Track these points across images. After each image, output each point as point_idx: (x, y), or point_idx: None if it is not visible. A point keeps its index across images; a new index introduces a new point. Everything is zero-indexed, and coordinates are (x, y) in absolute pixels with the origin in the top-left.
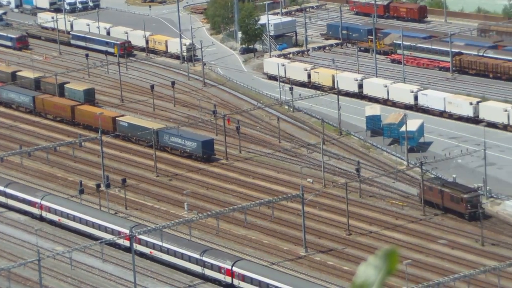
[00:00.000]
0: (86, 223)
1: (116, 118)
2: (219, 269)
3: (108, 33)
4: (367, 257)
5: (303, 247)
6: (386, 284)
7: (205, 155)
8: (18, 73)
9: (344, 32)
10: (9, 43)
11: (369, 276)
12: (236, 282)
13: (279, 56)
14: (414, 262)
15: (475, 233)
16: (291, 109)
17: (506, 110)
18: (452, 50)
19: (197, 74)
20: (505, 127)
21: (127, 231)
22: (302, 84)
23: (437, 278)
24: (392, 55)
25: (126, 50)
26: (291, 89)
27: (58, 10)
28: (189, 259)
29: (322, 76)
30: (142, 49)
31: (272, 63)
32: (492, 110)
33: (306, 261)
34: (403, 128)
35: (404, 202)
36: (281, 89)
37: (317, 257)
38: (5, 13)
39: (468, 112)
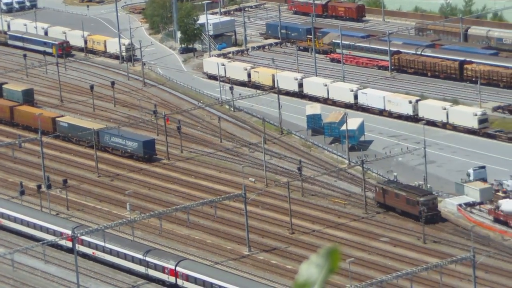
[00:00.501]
0: (28, 224)
1: (56, 119)
2: (162, 269)
3: (46, 33)
4: (310, 256)
5: (247, 246)
6: (329, 282)
7: (146, 155)
8: None
9: (283, 31)
10: None
11: (311, 275)
12: (180, 282)
13: (218, 55)
14: (357, 260)
15: (417, 230)
16: (232, 109)
17: (445, 108)
18: (391, 49)
19: (136, 74)
20: (444, 125)
21: (69, 232)
22: (242, 84)
23: (380, 276)
24: (331, 54)
25: (65, 50)
26: (231, 88)
27: None
28: (132, 259)
29: (262, 75)
30: (80, 49)
31: (212, 63)
32: (431, 109)
33: (250, 260)
34: (343, 127)
35: (345, 201)
36: (221, 88)
37: (261, 256)
38: None
39: (408, 110)
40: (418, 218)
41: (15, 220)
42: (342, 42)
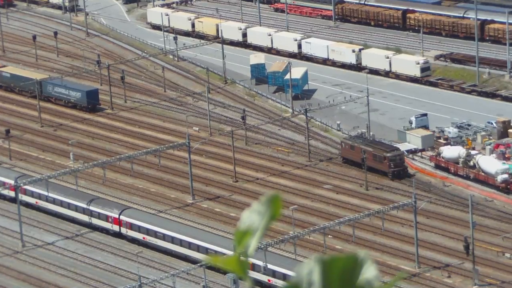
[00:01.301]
0: None
1: None
2: (106, 218)
3: None
4: (252, 203)
5: (190, 194)
6: (272, 229)
7: (90, 105)
8: None
9: None
10: None
11: (253, 222)
12: (123, 230)
13: (162, 5)
14: (300, 207)
15: (359, 177)
16: (176, 59)
17: (387, 57)
18: None
19: (80, 24)
20: (387, 74)
21: (12, 182)
22: (186, 34)
23: (323, 223)
24: (275, 4)
25: (6, 0)
26: (175, 38)
27: None
28: (76, 208)
29: (206, 25)
30: None
31: (156, 13)
32: (374, 57)
33: (194, 209)
34: (287, 76)
35: (289, 149)
36: (165, 38)
37: (205, 204)
38: None
39: (351, 59)
40: (385, 174)
41: None
42: None
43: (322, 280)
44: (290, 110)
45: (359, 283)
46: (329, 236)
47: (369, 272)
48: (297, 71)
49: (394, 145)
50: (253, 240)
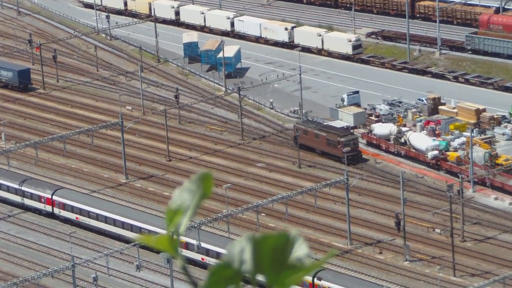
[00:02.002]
0: None
1: None
2: (39, 198)
3: None
4: (183, 182)
5: (124, 174)
6: (205, 208)
7: (21, 85)
8: None
9: None
10: None
11: (184, 201)
12: (56, 210)
13: None
14: (234, 185)
15: (292, 155)
16: (108, 38)
17: (320, 35)
18: None
19: (10, 3)
20: (319, 52)
21: None
22: (118, 12)
23: (256, 201)
24: None
25: None
26: (107, 17)
27: None
28: (8, 189)
29: (139, 3)
30: None
31: None
32: (307, 35)
33: (127, 188)
34: (220, 55)
35: (223, 127)
36: (97, 17)
37: (138, 183)
38: None
39: (283, 37)
40: (339, 159)
41: None
42: None
43: (254, 259)
44: (223, 89)
45: (290, 261)
46: (262, 214)
47: (300, 250)
48: (230, 49)
49: (348, 129)
50: (184, 218)
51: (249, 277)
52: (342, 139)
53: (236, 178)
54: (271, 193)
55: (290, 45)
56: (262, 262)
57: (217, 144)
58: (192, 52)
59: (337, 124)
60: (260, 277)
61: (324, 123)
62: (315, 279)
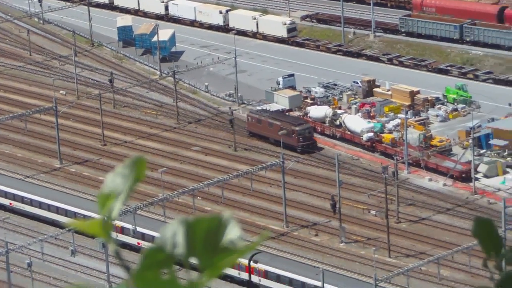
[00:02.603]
0: None
1: None
2: None
3: None
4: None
5: (58, 159)
6: (140, 192)
7: None
8: None
9: None
10: None
11: (117, 185)
12: None
13: None
14: (169, 169)
15: (228, 139)
16: (41, 22)
17: (254, 18)
18: None
19: None
20: (254, 35)
21: None
22: None
23: (192, 184)
24: None
25: None
26: (40, 1)
27: None
28: None
29: None
30: None
31: None
32: (241, 18)
33: (61, 173)
34: (154, 38)
35: (158, 111)
36: (30, 1)
37: (73, 168)
38: None
39: (218, 20)
40: (294, 149)
41: None
42: None
43: (186, 242)
44: (158, 73)
45: (223, 244)
46: (198, 197)
47: (233, 232)
48: (165, 33)
49: (303, 119)
50: (117, 203)
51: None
52: (297, 128)
53: (171, 162)
54: (207, 176)
55: (225, 28)
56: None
57: (152, 128)
58: (126, 36)
59: (273, 107)
60: (194, 260)
61: (278, 112)
62: (251, 262)
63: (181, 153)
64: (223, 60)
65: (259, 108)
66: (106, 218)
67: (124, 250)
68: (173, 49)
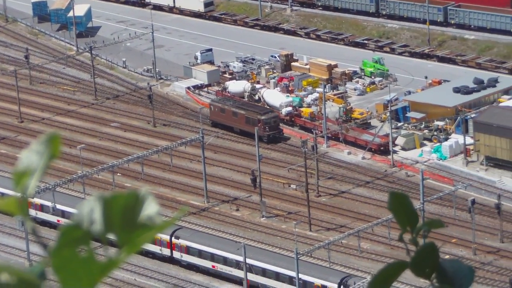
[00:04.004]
0: None
1: None
2: None
3: None
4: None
5: None
6: (61, 169)
7: None
8: None
9: None
10: None
11: (31, 162)
12: None
13: None
14: (88, 146)
15: (147, 115)
16: None
17: None
18: None
19: None
20: (170, 10)
21: None
22: None
23: (112, 161)
24: None
25: None
26: None
27: None
28: None
29: None
30: None
31: None
32: None
33: None
34: (70, 14)
35: (75, 88)
36: None
37: None
38: None
39: None
40: (260, 138)
41: None
42: None
43: (103, 218)
44: (75, 48)
45: (140, 220)
46: (118, 174)
47: (150, 208)
48: (81, 8)
49: (268, 107)
50: (32, 180)
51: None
52: (263, 117)
53: (90, 139)
54: (127, 152)
55: (141, 3)
56: (112, 221)
57: (70, 105)
58: (41, 11)
59: (191, 82)
60: (112, 237)
61: (242, 101)
62: (173, 237)
63: (99, 129)
64: (140, 35)
65: (221, 98)
66: (21, 196)
67: (44, 227)
68: (90, 25)
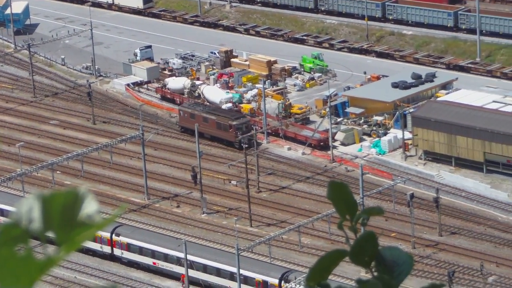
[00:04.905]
0: None
1: None
2: None
3: None
4: None
5: None
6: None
7: None
8: None
9: None
10: None
11: None
12: None
13: None
14: (27, 144)
15: (87, 112)
16: None
17: None
18: None
19: None
20: (109, 6)
21: None
22: None
23: (51, 158)
24: None
25: None
26: None
27: None
28: None
29: None
30: None
31: None
32: None
33: None
34: (8, 11)
35: (13, 85)
36: None
37: None
38: None
39: None
40: (231, 144)
41: None
42: None
43: (43, 217)
44: (13, 46)
45: (79, 218)
46: (58, 171)
47: (89, 206)
48: (18, 5)
49: (239, 112)
50: None
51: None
52: (234, 123)
53: (29, 136)
54: (66, 150)
55: (80, 0)
56: (51, 220)
57: (8, 102)
58: None
59: (131, 79)
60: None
61: (213, 106)
62: (113, 235)
63: (38, 127)
64: (79, 32)
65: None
66: None
67: None
68: (28, 22)
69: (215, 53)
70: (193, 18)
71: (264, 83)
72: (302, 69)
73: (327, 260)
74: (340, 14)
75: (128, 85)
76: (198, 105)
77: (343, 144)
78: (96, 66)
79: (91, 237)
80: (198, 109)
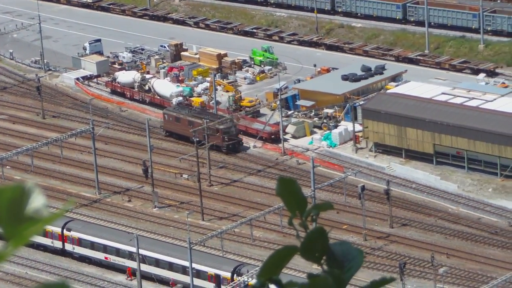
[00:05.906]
0: None
1: None
2: None
3: None
4: None
5: None
6: None
7: None
8: None
9: None
10: None
11: None
12: None
13: None
14: None
15: (36, 106)
16: None
17: None
18: None
19: None
20: (58, 0)
21: None
22: None
23: (0, 154)
24: None
25: None
26: None
27: None
28: None
29: None
30: None
31: None
32: None
33: None
34: None
35: None
36: None
37: None
38: None
39: None
40: (219, 148)
41: None
42: None
43: None
44: None
45: (27, 213)
46: (7, 166)
47: (37, 201)
48: None
49: (226, 116)
50: None
51: None
52: (221, 127)
53: None
54: (15, 145)
55: None
56: None
57: None
58: None
59: (80, 73)
60: None
61: (198, 110)
62: (64, 230)
63: None
64: (27, 26)
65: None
66: None
67: None
68: None
69: (165, 47)
70: (143, 12)
71: (215, 76)
72: (252, 62)
73: (277, 256)
74: (289, 6)
75: (77, 79)
76: (184, 108)
77: (294, 137)
78: (45, 60)
79: (40, 232)
80: (183, 113)
